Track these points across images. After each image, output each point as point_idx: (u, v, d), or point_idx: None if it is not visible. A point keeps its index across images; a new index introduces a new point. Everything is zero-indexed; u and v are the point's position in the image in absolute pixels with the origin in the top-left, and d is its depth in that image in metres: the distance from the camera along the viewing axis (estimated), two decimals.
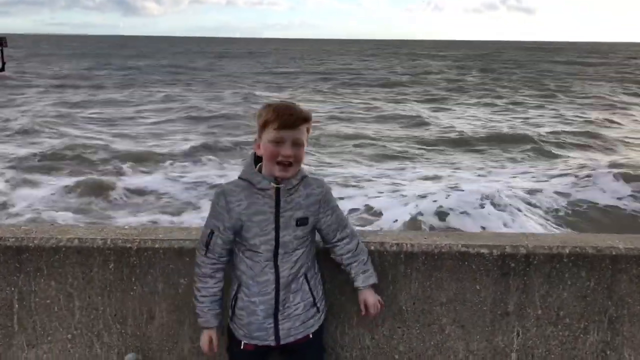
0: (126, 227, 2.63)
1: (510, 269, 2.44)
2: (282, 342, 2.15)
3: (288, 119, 1.97)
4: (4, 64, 42.17)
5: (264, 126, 2.01)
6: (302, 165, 2.07)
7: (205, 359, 2.48)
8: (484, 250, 2.44)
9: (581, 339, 2.48)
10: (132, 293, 2.48)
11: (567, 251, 2.43)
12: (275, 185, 2.04)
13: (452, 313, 2.47)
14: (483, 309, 2.47)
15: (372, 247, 2.45)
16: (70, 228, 2.59)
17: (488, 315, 2.47)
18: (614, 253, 2.43)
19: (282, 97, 28.68)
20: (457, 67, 58.40)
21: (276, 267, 2.10)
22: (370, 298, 2.29)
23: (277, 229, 2.07)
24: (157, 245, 2.44)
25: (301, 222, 2.10)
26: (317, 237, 2.26)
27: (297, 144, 2.00)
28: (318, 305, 2.23)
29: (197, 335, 2.49)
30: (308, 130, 2.05)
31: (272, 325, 2.13)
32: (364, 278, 2.27)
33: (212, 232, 2.10)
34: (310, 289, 2.19)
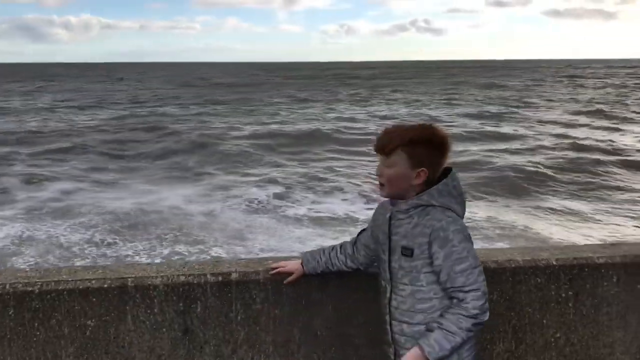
0: (27, 269, 2.58)
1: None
2: None
3: (377, 142, 2.09)
4: None
5: None
6: (430, 193, 2.01)
7: None
8: None
9: (488, 350, 2.68)
10: (35, 339, 2.43)
11: None
12: (390, 207, 2.12)
13: (366, 334, 2.59)
14: None
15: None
16: None
17: None
18: (513, 265, 2.66)
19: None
20: None
21: (391, 293, 2.14)
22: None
23: (389, 252, 2.11)
24: (60, 287, 2.42)
25: (405, 251, 2.04)
26: None
27: (387, 166, 2.05)
28: None
29: None
30: (410, 154, 2.00)
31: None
32: (424, 337, 1.99)
33: (364, 229, 2.36)
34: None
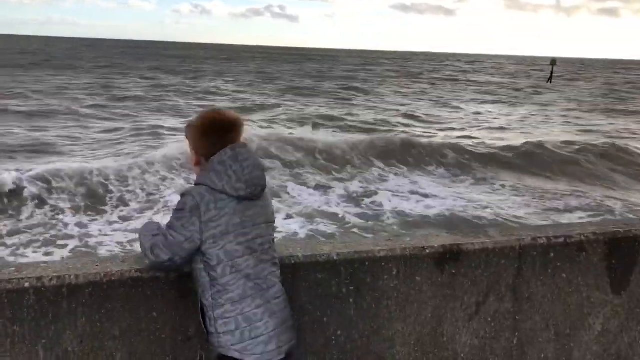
0: None
1: (189, 289, 2.39)
2: None
3: None
4: None
5: None
6: (205, 174, 2.13)
7: None
8: (160, 274, 2.36)
9: None
10: None
11: None
12: None
13: (127, 346, 2.34)
14: (162, 337, 2.38)
15: (28, 284, 2.21)
16: None
17: (168, 342, 2.40)
18: (293, 262, 2.55)
19: None
20: None
21: None
22: None
23: None
24: None
25: None
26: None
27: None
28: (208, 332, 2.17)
29: None
30: (188, 138, 2.23)
31: None
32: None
33: None
34: (202, 317, 2.18)
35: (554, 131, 22.84)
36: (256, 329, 2.09)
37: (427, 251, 2.75)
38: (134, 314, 2.34)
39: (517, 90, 47.63)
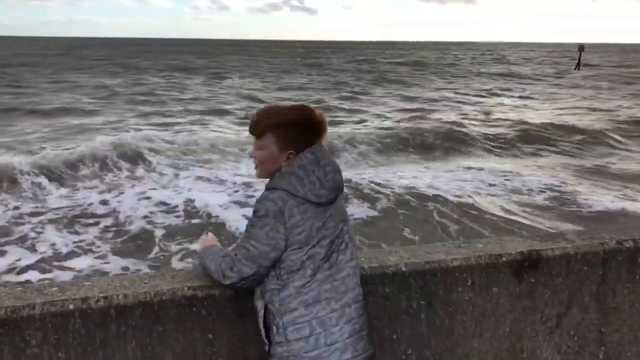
0: None
1: (247, 308, 2.17)
2: None
3: (250, 124, 2.03)
4: None
5: None
6: (282, 178, 1.93)
7: None
8: (215, 291, 2.14)
9: None
10: None
11: None
12: None
13: None
14: None
15: (72, 306, 2.01)
16: None
17: None
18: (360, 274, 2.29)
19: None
20: None
21: None
22: None
23: None
24: None
25: None
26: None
27: (258, 148, 2.01)
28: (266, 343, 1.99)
29: None
30: (278, 137, 1.95)
31: None
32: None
33: None
34: (264, 328, 1.97)
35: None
36: (331, 334, 1.89)
37: (504, 259, 2.49)
38: (187, 336, 2.13)
39: (536, 79, 46.66)
